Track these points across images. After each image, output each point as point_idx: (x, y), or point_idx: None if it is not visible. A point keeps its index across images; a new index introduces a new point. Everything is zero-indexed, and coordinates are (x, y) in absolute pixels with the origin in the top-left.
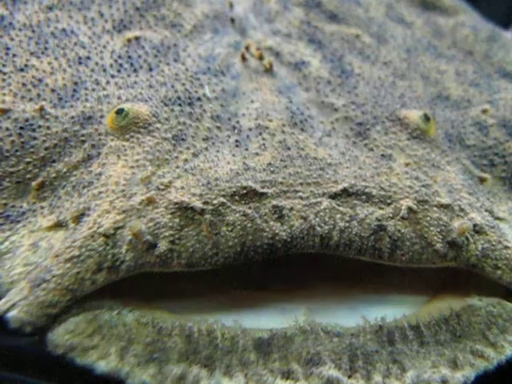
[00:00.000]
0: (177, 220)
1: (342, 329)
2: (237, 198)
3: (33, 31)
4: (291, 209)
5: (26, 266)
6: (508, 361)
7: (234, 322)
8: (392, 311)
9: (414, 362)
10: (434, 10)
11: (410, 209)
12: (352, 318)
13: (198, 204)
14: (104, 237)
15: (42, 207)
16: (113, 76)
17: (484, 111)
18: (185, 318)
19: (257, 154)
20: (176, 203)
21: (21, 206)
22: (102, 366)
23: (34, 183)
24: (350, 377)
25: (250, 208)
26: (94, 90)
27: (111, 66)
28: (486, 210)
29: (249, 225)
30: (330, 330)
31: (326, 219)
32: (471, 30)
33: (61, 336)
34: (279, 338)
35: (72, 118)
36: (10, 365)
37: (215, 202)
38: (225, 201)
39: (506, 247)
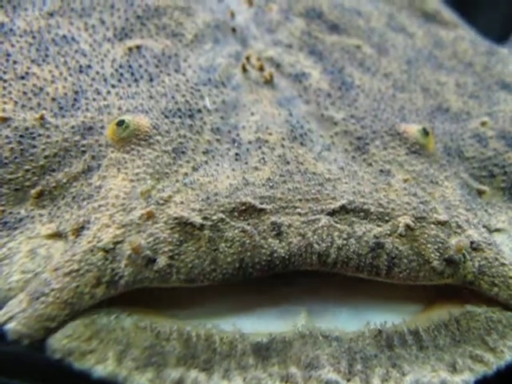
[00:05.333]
0: (176, 235)
1: (341, 333)
2: (236, 214)
3: (33, 37)
4: (289, 226)
5: (23, 273)
6: (507, 366)
7: (232, 326)
8: (392, 316)
9: (413, 366)
10: (435, 23)
11: (407, 226)
12: (353, 321)
13: (197, 219)
14: (103, 251)
15: (41, 215)
16: (113, 86)
17: (483, 123)
18: (183, 323)
19: (256, 168)
20: (175, 218)
21: (18, 213)
22: (100, 370)
23: (32, 191)
24: (348, 380)
25: (248, 224)
26: (94, 99)
27: (112, 75)
28: (484, 226)
29: (247, 241)
30: (328, 334)
31: (324, 237)
32: (470, 43)
33: (59, 340)
34: (278, 342)
35: (72, 127)
36: (8, 371)
37: (214, 217)
38: (224, 217)
39: (503, 264)
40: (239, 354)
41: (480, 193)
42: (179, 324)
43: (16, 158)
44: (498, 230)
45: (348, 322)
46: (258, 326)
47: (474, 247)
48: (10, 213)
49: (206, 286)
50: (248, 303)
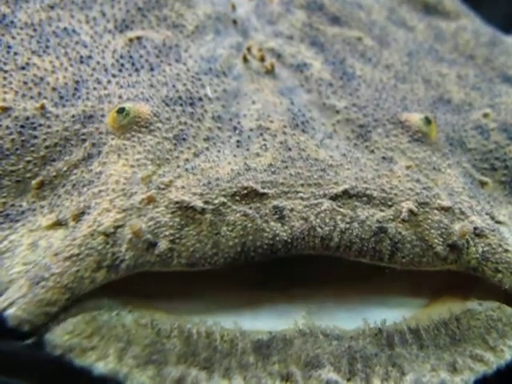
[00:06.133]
0: (177, 219)
1: (342, 332)
2: (237, 198)
3: (34, 30)
4: (292, 209)
5: (25, 265)
6: (507, 365)
7: (233, 324)
8: (392, 314)
9: (413, 365)
10: (436, 15)
11: (410, 211)
12: (352, 320)
13: (198, 203)
14: (104, 235)
15: (42, 206)
16: (114, 75)
17: (485, 115)
18: (184, 320)
19: (258, 154)
20: (176, 202)
21: (20, 205)
22: (101, 367)
23: (33, 182)
24: (349, 380)
25: (250, 208)
26: (95, 89)
27: (113, 65)
28: (487, 214)
29: (249, 225)
30: (329, 332)
31: (327, 220)
32: (473, 34)
33: (59, 336)
34: (278, 340)
35: (73, 116)
36: (7, 370)
37: (216, 201)
38: (225, 201)
39: (507, 250)
40: (240, 352)
41: (482, 184)
42: (180, 321)
43: (17, 149)
44: (499, 223)
45: (348, 321)
46: (258, 324)
47: (478, 233)
48: (12, 205)
49: (206, 283)
50: (246, 302)
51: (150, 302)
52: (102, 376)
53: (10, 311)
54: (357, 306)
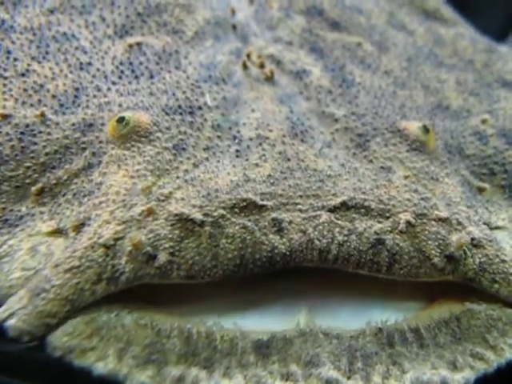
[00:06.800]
0: (177, 232)
1: (342, 331)
2: (236, 210)
3: (34, 34)
4: (290, 222)
5: (24, 271)
6: (508, 364)
7: (233, 324)
8: (393, 313)
9: (413, 363)
10: (435, 20)
11: (408, 222)
12: (355, 319)
13: (197, 216)
14: (104, 247)
15: (42, 212)
16: (114, 83)
17: (483, 121)
18: (184, 320)
19: (257, 164)
20: (176, 215)
21: (19, 210)
22: (101, 367)
23: (33, 188)
24: (349, 378)
25: (249, 220)
26: (95, 96)
27: (112, 72)
28: (484, 223)
29: (248, 237)
30: (329, 332)
31: (325, 233)
32: (471, 41)
33: (59, 338)
34: (278, 340)
35: (73, 124)
36: (9, 370)
37: (215, 214)
38: (225, 213)
39: (504, 261)
40: (240, 351)
41: (480, 190)
42: (180, 321)
43: (17, 155)
44: (498, 228)
45: (349, 318)
46: (259, 323)
47: (475, 244)
48: (11, 210)
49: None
50: (249, 299)
51: (150, 302)
52: (101, 376)
53: (11, 322)
54: (359, 303)
